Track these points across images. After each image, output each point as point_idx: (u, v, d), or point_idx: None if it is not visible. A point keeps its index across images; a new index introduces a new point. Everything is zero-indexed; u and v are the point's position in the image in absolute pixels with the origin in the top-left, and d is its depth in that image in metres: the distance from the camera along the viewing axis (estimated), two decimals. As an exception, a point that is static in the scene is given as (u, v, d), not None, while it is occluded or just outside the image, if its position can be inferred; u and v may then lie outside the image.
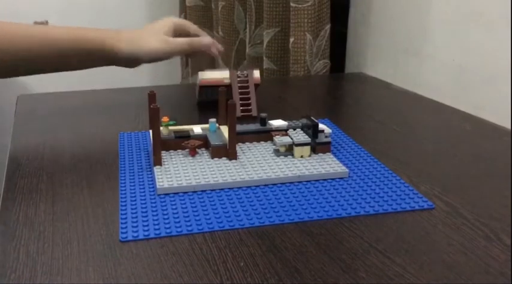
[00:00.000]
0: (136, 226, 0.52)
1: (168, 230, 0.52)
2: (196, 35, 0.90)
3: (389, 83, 1.14)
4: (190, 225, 0.53)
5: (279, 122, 0.74)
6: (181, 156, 0.68)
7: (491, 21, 0.92)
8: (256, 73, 0.88)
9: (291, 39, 1.21)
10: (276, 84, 1.21)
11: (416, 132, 0.84)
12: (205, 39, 0.88)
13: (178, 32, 0.88)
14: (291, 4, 1.19)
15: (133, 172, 0.65)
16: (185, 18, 1.73)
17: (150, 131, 0.69)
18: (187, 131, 0.71)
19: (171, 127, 0.71)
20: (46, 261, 0.48)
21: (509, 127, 0.84)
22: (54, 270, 0.46)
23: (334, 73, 1.28)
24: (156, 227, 0.52)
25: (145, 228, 0.52)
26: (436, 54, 1.06)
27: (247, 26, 1.40)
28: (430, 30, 1.07)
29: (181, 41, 0.85)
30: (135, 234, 0.51)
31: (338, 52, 1.33)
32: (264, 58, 1.32)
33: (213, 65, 1.66)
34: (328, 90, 1.18)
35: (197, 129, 0.71)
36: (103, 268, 0.46)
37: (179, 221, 0.54)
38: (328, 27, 1.22)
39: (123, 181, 0.63)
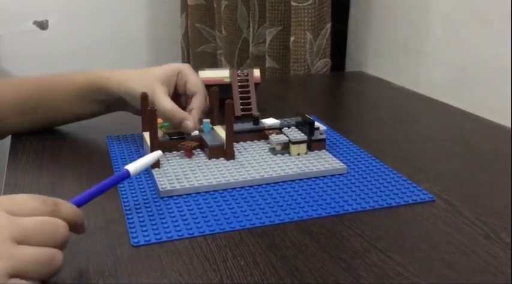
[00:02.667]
0: (146, 230, 0.52)
1: (179, 233, 0.52)
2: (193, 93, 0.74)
3: (390, 82, 1.13)
4: (201, 227, 0.53)
5: (271, 121, 0.74)
6: (177, 157, 0.67)
7: (491, 19, 0.92)
8: (257, 73, 0.88)
9: (292, 38, 1.21)
10: (277, 83, 1.21)
11: (417, 131, 0.84)
12: (187, 123, 0.68)
13: (180, 82, 0.74)
14: (292, 3, 1.19)
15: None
16: (186, 17, 1.73)
17: (144, 133, 0.69)
18: (181, 132, 0.70)
19: (164, 129, 0.70)
20: (46, 260, 0.47)
21: (509, 126, 0.84)
22: (54, 269, 0.46)
23: (334, 72, 1.28)
24: (167, 230, 0.52)
25: (156, 232, 0.52)
26: (436, 52, 1.06)
27: (251, 25, 1.40)
28: (431, 29, 1.07)
29: (165, 105, 0.69)
30: (147, 238, 0.51)
31: (338, 51, 1.33)
32: (267, 57, 1.32)
33: (215, 64, 1.66)
34: (329, 88, 1.18)
35: None
36: (103, 267, 0.46)
37: (189, 224, 0.53)
38: (328, 26, 1.22)
39: (121, 183, 0.62)
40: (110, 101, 0.75)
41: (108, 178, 0.53)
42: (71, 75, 0.77)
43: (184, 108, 0.72)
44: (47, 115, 0.77)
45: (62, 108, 0.76)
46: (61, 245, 0.43)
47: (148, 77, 0.72)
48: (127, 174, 0.55)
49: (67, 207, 0.46)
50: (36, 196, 0.45)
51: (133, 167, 0.56)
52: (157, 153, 0.61)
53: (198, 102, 0.72)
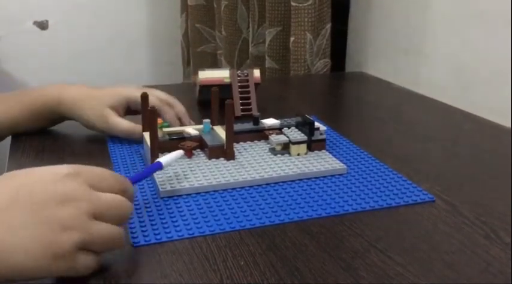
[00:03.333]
0: (146, 230, 0.52)
1: (179, 234, 0.51)
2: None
3: (390, 82, 1.13)
4: (201, 227, 0.53)
5: (271, 121, 0.74)
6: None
7: (491, 19, 0.92)
8: (257, 73, 0.88)
9: (292, 39, 1.21)
10: (277, 83, 1.21)
11: (416, 131, 0.84)
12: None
13: (135, 107, 0.76)
14: (292, 3, 1.19)
15: (129, 174, 0.65)
16: (186, 18, 1.73)
17: (144, 133, 0.69)
18: (181, 132, 0.70)
19: (164, 129, 0.70)
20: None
21: (509, 126, 0.84)
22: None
23: (334, 73, 1.28)
24: (167, 230, 0.52)
25: (156, 232, 0.52)
26: (436, 52, 1.06)
27: (250, 25, 1.40)
28: (431, 29, 1.07)
29: (121, 126, 0.74)
30: (147, 238, 0.51)
31: (338, 51, 1.33)
32: (266, 57, 1.32)
33: (215, 64, 1.66)
34: (329, 89, 1.18)
35: (190, 130, 0.70)
36: (102, 266, 0.46)
37: (189, 224, 0.53)
38: (328, 26, 1.22)
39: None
40: (61, 120, 0.80)
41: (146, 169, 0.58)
42: (30, 93, 0.79)
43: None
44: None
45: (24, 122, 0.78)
46: (124, 223, 0.46)
47: (97, 102, 0.75)
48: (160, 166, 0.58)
49: (132, 187, 0.49)
50: (111, 172, 0.47)
51: (164, 160, 0.59)
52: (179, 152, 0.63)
53: (169, 116, 0.75)
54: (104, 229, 0.43)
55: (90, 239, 0.42)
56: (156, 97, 0.76)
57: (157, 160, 0.59)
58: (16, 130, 0.78)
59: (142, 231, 0.52)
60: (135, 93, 0.74)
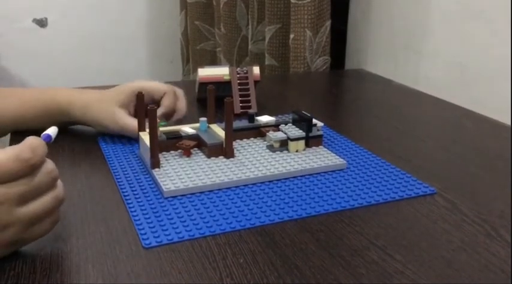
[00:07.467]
0: (156, 231, 0.51)
1: (190, 234, 0.51)
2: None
3: (390, 80, 1.13)
4: (211, 226, 0.52)
5: (266, 118, 0.73)
6: (176, 157, 0.67)
7: (491, 17, 0.92)
8: (256, 70, 0.88)
9: (291, 36, 1.21)
10: (276, 80, 1.21)
11: (417, 129, 0.84)
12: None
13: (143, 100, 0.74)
14: (291, 0, 1.19)
15: (128, 175, 0.64)
16: (186, 15, 1.72)
17: (140, 133, 0.68)
18: (177, 131, 0.70)
19: (161, 129, 0.70)
20: (45, 258, 0.47)
21: (510, 124, 0.84)
22: (54, 267, 0.46)
23: (334, 70, 1.28)
24: (177, 230, 0.52)
25: (166, 232, 0.51)
26: (436, 50, 1.06)
27: (250, 22, 1.40)
28: (431, 27, 1.07)
29: (129, 125, 0.73)
30: (158, 239, 0.50)
31: (338, 48, 1.33)
32: (266, 54, 1.32)
33: (214, 62, 1.66)
34: (328, 86, 1.18)
35: (187, 128, 0.70)
36: (102, 265, 0.46)
37: (198, 224, 0.53)
38: (328, 23, 1.22)
39: (121, 183, 0.62)
40: (72, 122, 0.79)
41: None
42: (38, 93, 0.79)
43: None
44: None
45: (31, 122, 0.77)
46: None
47: (107, 103, 0.75)
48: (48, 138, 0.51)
49: (40, 147, 0.45)
50: (7, 154, 0.43)
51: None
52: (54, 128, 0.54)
53: (167, 102, 0.76)
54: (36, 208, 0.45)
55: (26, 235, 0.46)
56: (162, 85, 0.77)
57: (45, 132, 0.51)
58: (20, 127, 0.78)
59: (152, 232, 0.51)
60: (135, 86, 0.75)
